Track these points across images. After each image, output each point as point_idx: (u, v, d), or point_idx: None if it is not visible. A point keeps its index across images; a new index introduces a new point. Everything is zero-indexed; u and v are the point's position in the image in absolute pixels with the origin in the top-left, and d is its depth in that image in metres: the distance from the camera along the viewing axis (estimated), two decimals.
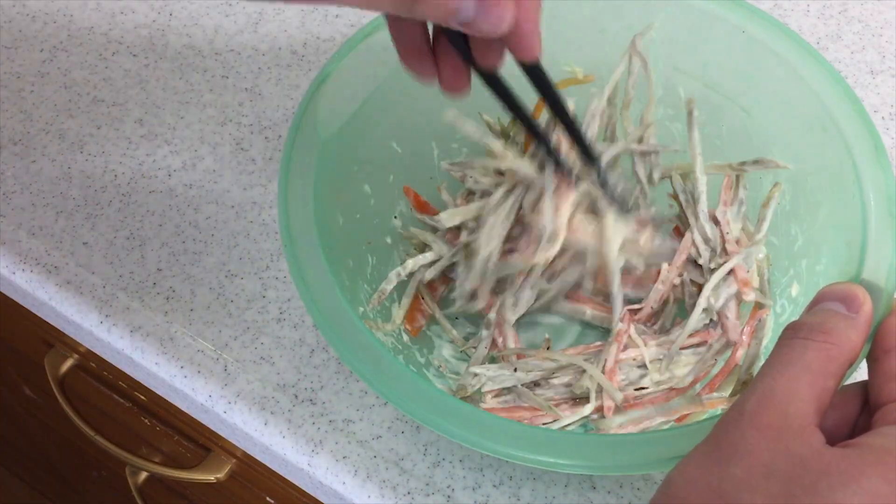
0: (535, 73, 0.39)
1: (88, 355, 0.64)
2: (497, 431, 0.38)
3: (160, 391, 0.51)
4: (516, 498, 0.46)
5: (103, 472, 0.92)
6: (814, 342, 0.33)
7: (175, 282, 0.52)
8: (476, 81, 0.39)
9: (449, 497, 0.46)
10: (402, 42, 0.38)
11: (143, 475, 0.75)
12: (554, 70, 0.51)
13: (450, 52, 0.38)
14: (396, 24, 0.37)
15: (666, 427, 0.44)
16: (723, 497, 0.30)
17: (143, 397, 0.64)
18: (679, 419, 0.45)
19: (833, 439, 0.31)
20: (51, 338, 0.67)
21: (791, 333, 0.34)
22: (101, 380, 0.67)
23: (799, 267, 0.47)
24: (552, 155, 0.43)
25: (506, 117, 0.51)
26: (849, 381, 0.35)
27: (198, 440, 0.64)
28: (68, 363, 0.67)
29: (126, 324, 0.51)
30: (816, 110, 0.46)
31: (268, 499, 0.64)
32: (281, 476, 0.50)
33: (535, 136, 0.43)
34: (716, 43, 0.49)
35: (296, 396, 0.48)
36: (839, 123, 0.45)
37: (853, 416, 0.34)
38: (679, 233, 0.51)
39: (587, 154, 0.44)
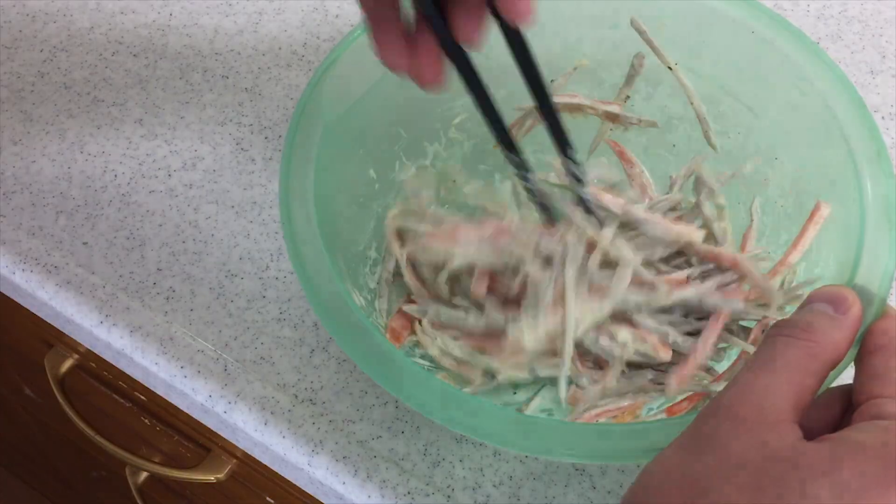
0: (519, 45, 0.38)
1: (88, 355, 0.64)
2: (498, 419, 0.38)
3: (160, 391, 0.51)
4: (516, 498, 0.46)
5: (103, 472, 0.92)
6: (796, 340, 0.33)
7: (175, 282, 0.52)
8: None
9: (449, 497, 0.46)
10: (379, 34, 0.38)
11: (143, 475, 0.75)
12: (563, 65, 0.51)
13: (427, 43, 0.37)
14: (376, 17, 0.37)
15: (653, 420, 0.44)
16: (696, 484, 0.30)
17: (143, 397, 0.64)
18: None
19: (813, 438, 0.31)
20: (51, 338, 0.67)
21: (776, 331, 0.34)
22: (101, 380, 0.67)
23: (797, 270, 0.47)
24: (516, 157, 0.43)
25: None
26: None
27: (198, 440, 0.64)
28: (68, 363, 0.67)
29: (126, 324, 0.51)
30: (822, 113, 0.46)
31: (268, 499, 0.64)
32: (281, 476, 0.50)
33: (501, 138, 0.42)
34: (725, 42, 0.49)
35: (296, 396, 0.48)
36: (843, 126, 0.45)
37: (836, 418, 0.34)
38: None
39: (564, 146, 0.43)
